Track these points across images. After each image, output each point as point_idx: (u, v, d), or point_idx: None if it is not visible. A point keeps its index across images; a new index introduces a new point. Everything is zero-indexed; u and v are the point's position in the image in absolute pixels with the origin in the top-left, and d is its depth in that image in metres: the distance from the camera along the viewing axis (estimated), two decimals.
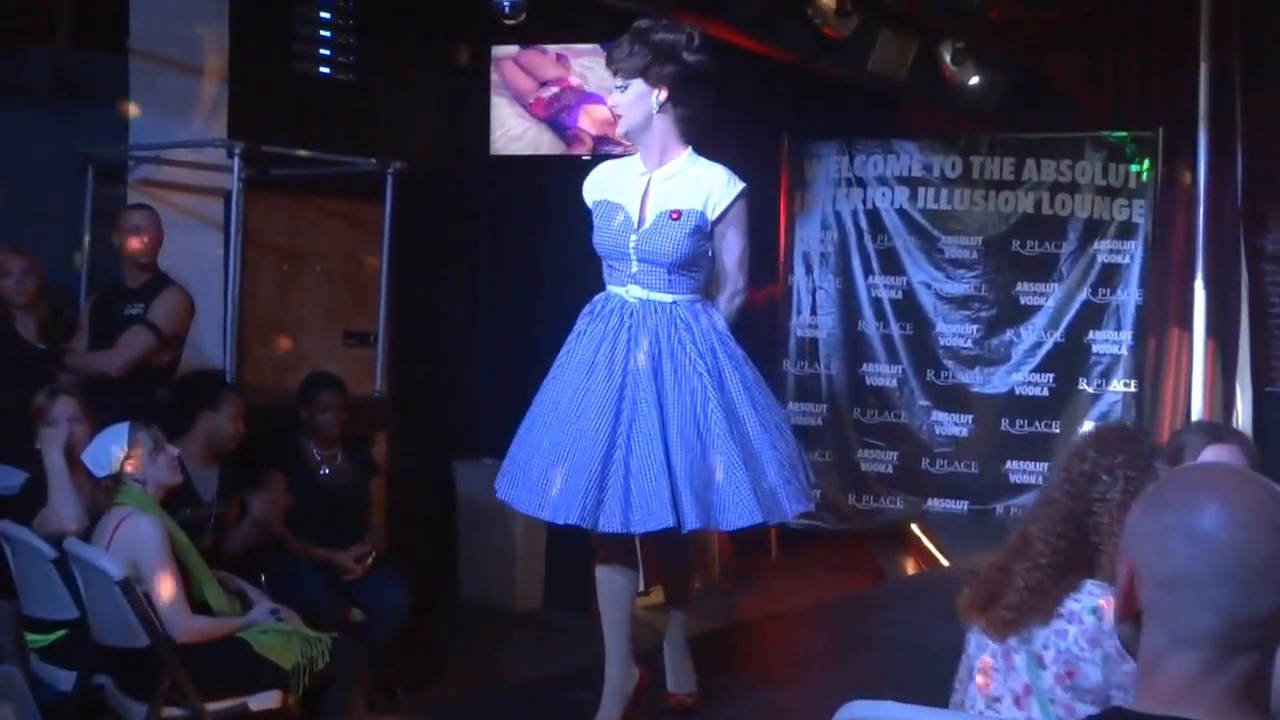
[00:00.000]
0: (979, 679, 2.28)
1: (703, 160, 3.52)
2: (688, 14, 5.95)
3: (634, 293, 3.45)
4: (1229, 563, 1.24)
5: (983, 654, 2.30)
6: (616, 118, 3.53)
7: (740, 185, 3.46)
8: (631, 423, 3.31)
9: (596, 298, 3.56)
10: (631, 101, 3.43)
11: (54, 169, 5.54)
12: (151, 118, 5.67)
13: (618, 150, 6.50)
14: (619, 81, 3.44)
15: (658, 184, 3.46)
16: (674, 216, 3.40)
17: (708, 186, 3.43)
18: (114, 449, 3.86)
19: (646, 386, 3.33)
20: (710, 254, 3.47)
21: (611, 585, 3.54)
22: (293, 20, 6.33)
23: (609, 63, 3.47)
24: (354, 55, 6.56)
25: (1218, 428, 4.23)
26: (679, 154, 3.49)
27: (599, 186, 3.58)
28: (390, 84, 6.68)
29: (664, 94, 3.41)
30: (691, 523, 3.27)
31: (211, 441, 4.68)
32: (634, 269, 3.44)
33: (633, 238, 3.42)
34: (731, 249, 3.49)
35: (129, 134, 5.65)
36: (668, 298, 3.42)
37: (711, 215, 3.42)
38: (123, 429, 3.89)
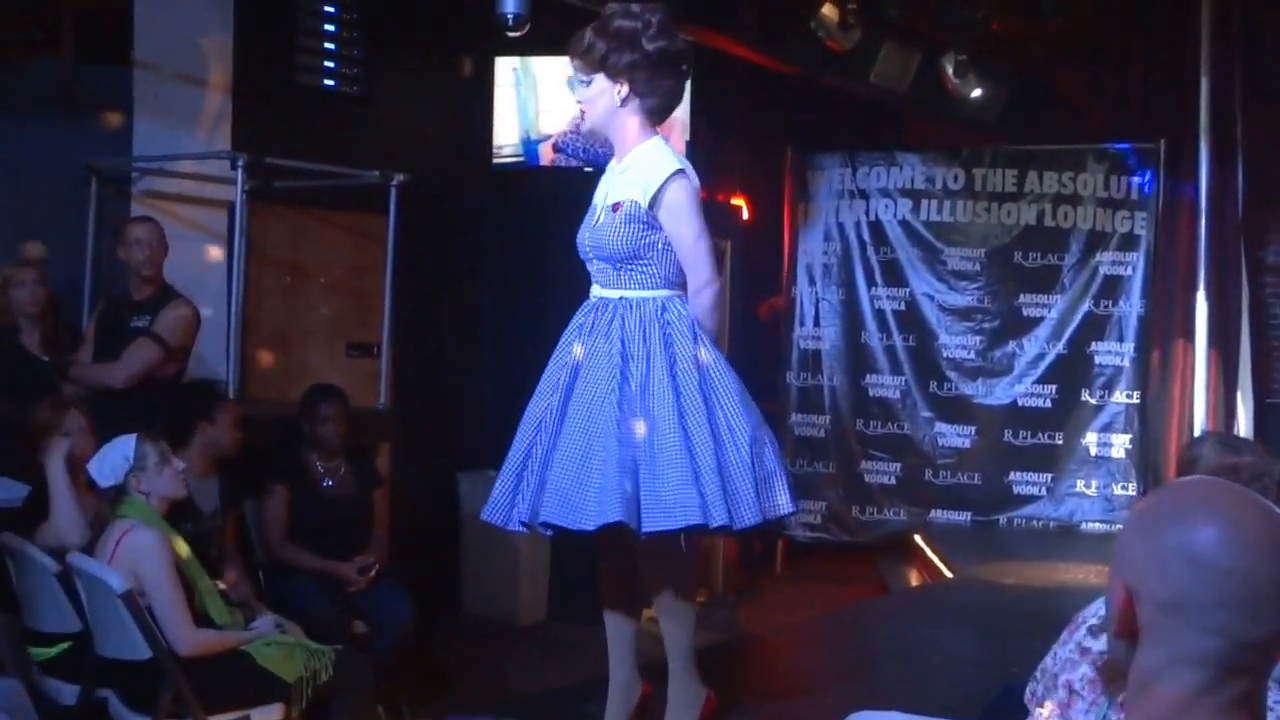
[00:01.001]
0: (1062, 692, 2.20)
1: (661, 148, 3.33)
2: (691, 26, 5.97)
3: (594, 292, 3.38)
4: (1233, 588, 1.23)
5: (1073, 673, 2.21)
6: (582, 114, 3.38)
7: (674, 167, 3.22)
8: (545, 424, 3.28)
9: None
10: (594, 97, 3.30)
11: (58, 181, 5.55)
12: (155, 130, 5.68)
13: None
14: (581, 76, 3.31)
15: (616, 177, 3.35)
16: (614, 209, 3.28)
17: (646, 172, 3.26)
18: (119, 461, 3.86)
19: (562, 387, 3.28)
20: (660, 245, 3.26)
21: (615, 616, 3.51)
22: (297, 32, 6.35)
23: (570, 56, 3.32)
24: (357, 67, 6.58)
25: (1232, 439, 4.22)
26: (644, 142, 3.33)
27: (597, 188, 3.50)
28: (393, 96, 6.70)
29: (625, 88, 3.27)
30: (544, 516, 3.18)
31: (210, 452, 4.68)
32: (594, 267, 3.37)
33: (586, 235, 3.35)
34: (679, 237, 3.25)
35: (133, 146, 5.67)
36: (615, 294, 3.32)
37: (644, 202, 3.23)
38: (129, 441, 3.89)
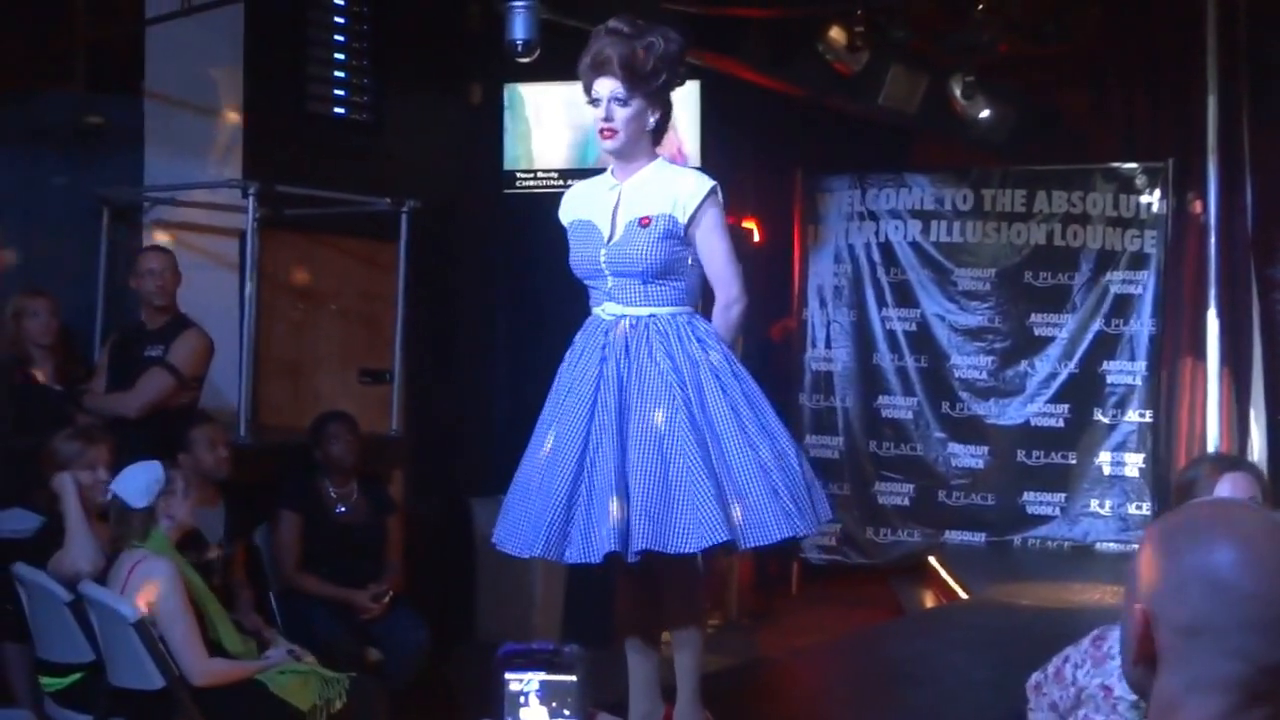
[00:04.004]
0: None
1: (672, 165, 3.38)
2: (699, 50, 5.99)
3: (610, 310, 3.30)
4: (1253, 611, 1.22)
5: (1095, 713, 2.14)
6: (610, 133, 3.24)
7: (710, 183, 3.25)
8: (596, 448, 3.16)
9: (585, 322, 3.42)
10: (632, 116, 3.23)
11: (70, 211, 5.57)
12: (166, 159, 5.71)
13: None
14: (620, 93, 3.21)
15: (628, 194, 3.30)
16: (643, 223, 3.23)
17: (676, 189, 3.24)
18: (151, 482, 3.85)
19: (611, 409, 3.18)
20: (689, 261, 3.27)
21: (637, 646, 3.47)
22: (307, 60, 6.38)
23: (623, 65, 3.19)
24: (367, 94, 6.60)
25: (1230, 458, 4.20)
26: (651, 162, 3.33)
27: (571, 207, 3.45)
28: (404, 122, 6.72)
29: (658, 114, 3.28)
30: (638, 544, 3.07)
31: (200, 476, 4.47)
32: (609, 285, 3.29)
33: (603, 252, 3.28)
34: (713, 253, 3.26)
35: (144, 176, 5.69)
36: (644, 311, 3.26)
37: (682, 218, 3.22)
38: (155, 465, 3.90)
